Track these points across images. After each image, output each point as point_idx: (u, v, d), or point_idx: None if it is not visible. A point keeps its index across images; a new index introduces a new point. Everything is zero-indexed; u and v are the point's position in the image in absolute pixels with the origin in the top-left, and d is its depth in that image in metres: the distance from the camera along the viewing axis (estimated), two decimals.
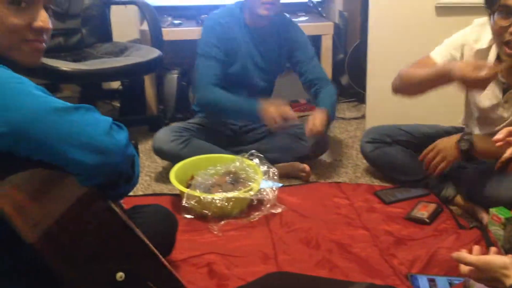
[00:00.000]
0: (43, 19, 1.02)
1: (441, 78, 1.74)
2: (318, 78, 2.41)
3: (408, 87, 1.94)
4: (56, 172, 0.92)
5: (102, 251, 0.92)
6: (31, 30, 1.01)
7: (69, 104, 0.93)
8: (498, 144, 1.40)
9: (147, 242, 1.00)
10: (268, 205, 1.94)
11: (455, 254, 1.21)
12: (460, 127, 2.13)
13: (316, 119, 2.19)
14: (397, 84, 1.97)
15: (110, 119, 0.97)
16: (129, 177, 1.01)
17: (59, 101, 0.93)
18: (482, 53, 1.81)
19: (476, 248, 1.28)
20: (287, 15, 2.56)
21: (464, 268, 1.20)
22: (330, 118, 2.27)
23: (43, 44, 1.05)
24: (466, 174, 1.97)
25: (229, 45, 2.31)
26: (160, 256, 1.02)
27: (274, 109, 2.17)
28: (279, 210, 1.94)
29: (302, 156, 2.33)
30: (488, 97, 1.84)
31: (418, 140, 2.16)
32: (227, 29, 2.31)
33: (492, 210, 1.76)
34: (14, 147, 0.91)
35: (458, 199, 1.99)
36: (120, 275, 0.92)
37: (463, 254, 1.20)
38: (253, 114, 2.21)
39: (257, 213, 1.93)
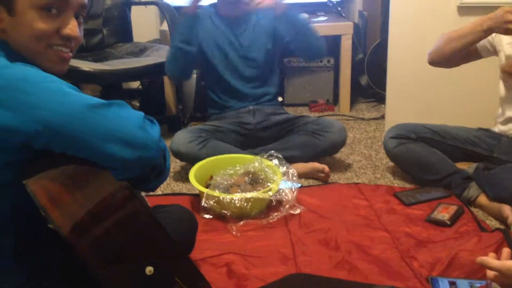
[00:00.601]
0: (72, 27, 1.03)
1: (479, 27, 1.82)
2: None
3: (446, 49, 1.97)
4: (91, 166, 0.94)
5: (133, 245, 0.93)
6: (59, 37, 1.02)
7: (102, 100, 0.94)
8: None
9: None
10: (287, 206, 1.94)
11: (479, 259, 1.19)
12: (487, 128, 2.10)
13: None
14: (434, 50, 2.01)
15: (142, 113, 0.98)
16: (161, 170, 1.02)
17: (92, 97, 0.95)
18: None
19: (505, 251, 1.26)
20: None
21: (489, 273, 1.19)
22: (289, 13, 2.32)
23: (70, 53, 1.06)
24: (493, 174, 1.93)
25: (204, 32, 2.38)
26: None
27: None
28: (298, 211, 1.94)
29: (321, 153, 2.33)
30: None
31: (444, 139, 2.13)
32: (200, 19, 2.38)
33: None
34: (50, 144, 0.93)
35: (481, 199, 1.96)
36: (149, 269, 0.92)
37: (487, 259, 1.19)
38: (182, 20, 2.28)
39: (276, 213, 1.93)
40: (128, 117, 0.95)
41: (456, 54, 1.97)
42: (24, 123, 0.91)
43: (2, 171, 0.96)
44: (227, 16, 2.40)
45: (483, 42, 1.96)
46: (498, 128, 2.07)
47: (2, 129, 0.91)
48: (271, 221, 1.91)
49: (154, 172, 1.00)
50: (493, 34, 1.91)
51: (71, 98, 0.92)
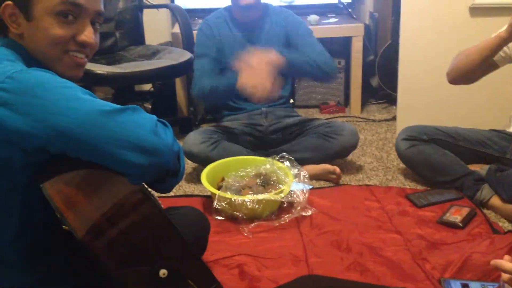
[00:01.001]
0: (88, 34, 1.05)
1: (499, 39, 1.82)
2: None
3: (466, 65, 1.97)
4: (106, 171, 0.95)
5: (147, 247, 0.94)
6: (74, 43, 1.04)
7: (115, 105, 0.95)
8: None
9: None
10: (299, 208, 1.95)
11: (493, 262, 1.19)
12: (500, 130, 2.09)
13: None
14: (452, 69, 2.02)
15: (154, 117, 0.98)
16: (176, 171, 1.02)
17: (106, 103, 0.95)
18: None
19: None
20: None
21: (504, 276, 1.18)
22: (286, 65, 2.20)
23: (85, 59, 1.08)
24: (506, 175, 1.93)
25: (220, 43, 2.38)
26: None
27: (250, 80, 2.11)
28: (309, 212, 1.95)
29: (332, 155, 2.33)
30: None
31: (456, 141, 2.13)
32: (215, 29, 2.40)
33: None
34: (64, 149, 0.94)
35: (494, 201, 1.95)
36: (163, 272, 0.93)
37: (501, 261, 1.18)
38: (233, 87, 2.18)
39: (287, 215, 1.94)
40: (141, 122, 0.95)
41: (477, 69, 1.96)
42: (37, 128, 0.92)
43: (19, 173, 0.98)
44: (241, 20, 2.41)
45: (498, 53, 1.95)
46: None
47: (15, 133, 0.93)
48: (282, 222, 1.91)
49: (169, 173, 1.00)
50: (510, 44, 1.91)
51: (85, 104, 0.93)
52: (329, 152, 2.31)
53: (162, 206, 1.22)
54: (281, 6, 2.74)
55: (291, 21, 2.46)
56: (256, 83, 2.11)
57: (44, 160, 0.97)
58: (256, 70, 2.13)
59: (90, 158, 0.95)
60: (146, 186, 1.02)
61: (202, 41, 2.41)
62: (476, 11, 2.44)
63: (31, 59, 1.04)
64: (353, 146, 2.35)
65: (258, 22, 2.42)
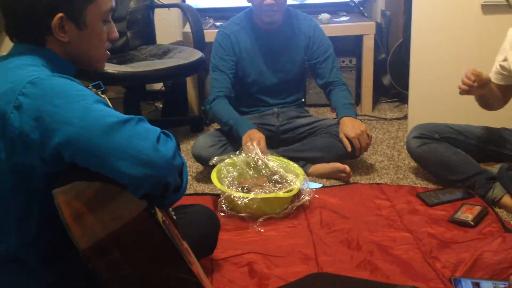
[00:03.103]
0: (115, 31, 1.19)
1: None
2: (334, 82, 2.43)
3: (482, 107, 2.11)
4: (115, 185, 0.96)
5: (149, 270, 0.95)
6: (109, 41, 1.17)
7: (121, 116, 0.97)
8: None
9: (193, 262, 1.03)
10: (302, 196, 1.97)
11: None
12: (511, 128, 2.08)
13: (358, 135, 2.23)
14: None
15: (158, 129, 1.00)
16: (178, 186, 1.02)
17: (114, 114, 0.98)
18: None
19: None
20: (304, 14, 2.55)
21: None
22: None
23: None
24: None
25: (241, 53, 2.38)
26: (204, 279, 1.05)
27: (251, 142, 2.13)
28: (306, 197, 1.95)
29: (343, 155, 2.33)
30: None
31: (468, 139, 2.12)
32: (235, 39, 2.38)
33: None
34: (72, 158, 0.97)
35: (506, 200, 1.94)
36: None
37: None
38: (239, 137, 2.21)
39: (290, 206, 1.96)
40: (143, 135, 0.96)
41: (490, 103, 2.07)
42: (46, 135, 0.96)
43: (40, 180, 1.02)
44: (263, 27, 2.39)
45: (498, 79, 2.02)
46: None
47: (28, 138, 0.97)
48: (285, 212, 1.94)
49: (168, 190, 1.00)
50: (503, 63, 1.96)
51: (94, 114, 0.96)
52: (340, 152, 2.30)
53: (175, 217, 1.22)
54: (294, 5, 2.73)
55: (316, 36, 2.44)
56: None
57: (63, 169, 1.00)
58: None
59: (96, 168, 0.97)
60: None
61: (219, 54, 2.39)
62: (488, 8, 2.41)
63: (60, 64, 1.10)
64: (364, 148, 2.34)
65: (280, 30, 2.40)
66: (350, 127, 2.24)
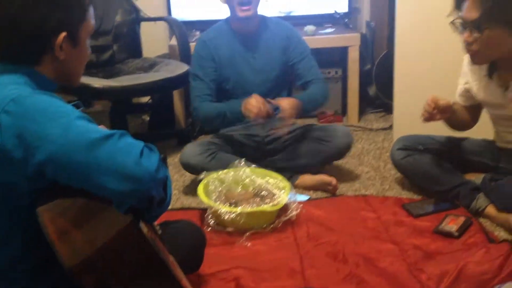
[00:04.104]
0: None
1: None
2: (312, 80, 2.45)
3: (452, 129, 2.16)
4: (99, 202, 0.97)
5: (137, 285, 0.95)
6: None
7: (103, 132, 0.98)
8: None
9: (181, 277, 1.03)
10: (289, 211, 1.97)
11: None
12: (491, 140, 2.11)
13: (285, 103, 2.25)
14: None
15: (142, 143, 1.01)
16: (162, 199, 1.03)
17: (95, 130, 0.99)
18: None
19: None
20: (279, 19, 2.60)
21: None
22: (301, 109, 2.31)
23: None
24: (500, 184, 1.94)
25: (220, 59, 2.39)
26: None
27: (253, 102, 2.19)
28: (294, 213, 1.96)
29: (328, 159, 2.36)
30: (492, 98, 1.96)
31: (451, 150, 2.15)
32: (213, 46, 2.39)
33: None
34: (55, 175, 0.97)
35: (490, 210, 1.96)
36: None
37: None
38: (238, 113, 2.24)
39: (277, 220, 1.96)
40: (126, 149, 0.97)
41: (459, 123, 2.11)
42: (29, 152, 0.96)
43: (24, 198, 1.02)
44: (240, 32, 2.42)
45: (463, 100, 2.09)
46: (499, 144, 2.08)
47: (12, 156, 0.97)
48: (272, 227, 1.94)
49: (153, 203, 1.01)
50: (466, 86, 2.04)
51: (75, 131, 0.97)
52: (324, 155, 2.33)
53: (156, 223, 1.23)
54: (279, 17, 2.76)
55: (292, 36, 2.47)
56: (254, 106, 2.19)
57: (46, 186, 1.00)
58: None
59: (77, 185, 0.97)
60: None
61: (198, 62, 2.42)
62: None
63: (42, 82, 1.10)
64: (348, 147, 2.37)
65: (257, 33, 2.43)
66: (286, 101, 2.28)
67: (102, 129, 0.99)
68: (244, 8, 2.29)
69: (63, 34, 1.09)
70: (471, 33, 1.77)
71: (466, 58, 1.99)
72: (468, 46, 1.82)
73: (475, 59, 1.87)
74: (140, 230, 0.97)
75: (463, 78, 2.06)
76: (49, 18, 1.07)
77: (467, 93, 2.06)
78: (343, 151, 2.39)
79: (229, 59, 2.42)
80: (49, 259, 1.06)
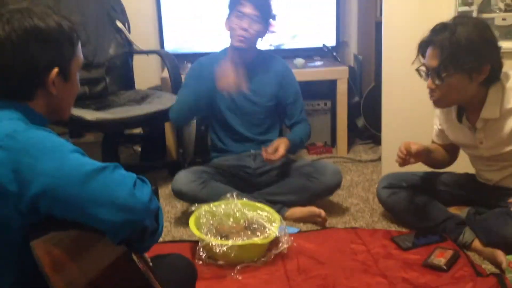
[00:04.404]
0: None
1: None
2: (298, 121, 2.55)
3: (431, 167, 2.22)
4: (92, 233, 0.99)
5: None
6: None
7: (97, 164, 1.01)
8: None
9: None
10: (280, 245, 1.98)
11: None
12: (473, 174, 2.16)
13: (277, 147, 2.33)
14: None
15: (134, 175, 1.05)
16: (154, 229, 1.06)
17: (89, 162, 1.02)
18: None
19: None
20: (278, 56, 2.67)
21: None
22: (291, 151, 2.43)
23: None
24: (484, 219, 1.98)
25: (212, 82, 2.39)
26: None
27: (222, 70, 2.25)
28: (285, 246, 1.97)
29: (318, 195, 2.38)
30: (464, 140, 2.04)
31: (435, 185, 2.20)
32: (206, 69, 2.43)
33: (509, 257, 1.76)
34: (50, 208, 0.99)
35: (476, 244, 1.99)
36: None
37: None
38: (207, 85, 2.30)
39: (268, 254, 1.97)
40: (119, 181, 1.01)
41: (438, 164, 2.18)
42: (24, 186, 0.98)
43: (15, 233, 1.03)
44: (237, 61, 2.45)
45: (440, 139, 2.16)
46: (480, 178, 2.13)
47: (6, 190, 0.98)
48: (263, 260, 1.95)
49: (146, 233, 1.04)
50: (441, 127, 2.12)
51: (70, 164, 1.00)
52: (313, 192, 2.36)
53: (147, 256, 1.24)
54: (271, 50, 2.83)
55: (287, 74, 2.55)
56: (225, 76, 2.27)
57: (39, 221, 1.02)
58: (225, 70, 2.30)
59: (72, 218, 0.99)
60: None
61: (188, 76, 2.51)
62: None
63: (35, 118, 1.12)
64: (337, 186, 2.40)
65: (253, 64, 2.49)
66: (284, 146, 2.34)
67: (96, 162, 1.02)
68: (241, 39, 2.36)
69: (55, 70, 1.12)
70: (433, 80, 1.86)
71: None
72: (431, 92, 1.90)
73: (438, 104, 1.95)
74: (133, 261, 0.99)
75: (437, 119, 2.14)
76: (41, 57, 1.10)
77: (442, 133, 2.13)
78: (331, 190, 2.42)
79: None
80: None
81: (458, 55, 1.78)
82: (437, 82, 1.85)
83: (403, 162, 1.99)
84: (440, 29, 1.84)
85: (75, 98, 1.24)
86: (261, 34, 2.41)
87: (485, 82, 1.85)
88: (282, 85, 2.53)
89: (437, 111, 2.10)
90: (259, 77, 2.50)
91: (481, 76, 1.83)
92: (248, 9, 2.35)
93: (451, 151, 2.16)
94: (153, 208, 1.04)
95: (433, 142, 2.18)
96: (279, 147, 2.34)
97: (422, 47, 1.90)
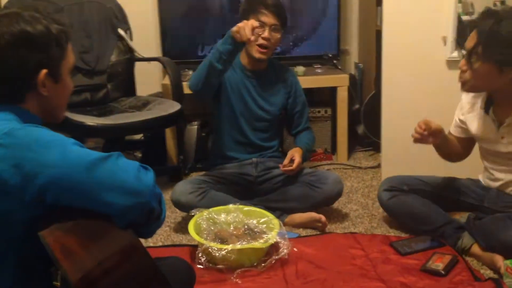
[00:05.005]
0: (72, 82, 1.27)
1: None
2: (304, 128, 2.61)
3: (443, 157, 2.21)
4: (101, 219, 1.03)
5: None
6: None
7: (101, 153, 1.06)
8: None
9: None
10: (280, 250, 1.99)
11: None
12: (476, 179, 2.16)
13: (292, 157, 2.39)
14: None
15: (137, 162, 1.10)
16: (159, 214, 1.12)
17: (93, 152, 1.06)
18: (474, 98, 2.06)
19: None
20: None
21: None
22: (304, 159, 2.47)
23: None
24: (483, 224, 1.98)
25: (225, 82, 2.43)
26: None
27: (243, 24, 2.17)
28: (285, 251, 1.97)
29: (319, 204, 2.38)
30: (486, 132, 2.02)
31: (436, 190, 2.20)
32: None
33: (507, 262, 1.77)
34: (57, 198, 1.02)
35: (475, 249, 2.00)
36: None
37: None
38: (228, 40, 2.21)
39: (269, 259, 1.97)
40: (124, 167, 1.06)
41: (449, 154, 2.18)
42: (30, 180, 1.01)
43: (18, 227, 1.05)
44: (250, 67, 2.49)
45: (458, 132, 2.16)
46: (485, 182, 2.13)
47: (11, 186, 1.01)
48: (263, 265, 1.95)
49: (152, 216, 1.08)
50: (463, 118, 2.11)
51: (73, 154, 1.04)
52: (314, 201, 2.36)
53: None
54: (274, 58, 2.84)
55: (295, 83, 2.59)
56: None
57: (41, 213, 1.04)
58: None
59: (80, 205, 1.03)
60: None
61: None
62: (452, 63, 2.55)
63: (30, 119, 1.15)
64: (338, 195, 2.41)
65: (265, 72, 2.52)
66: (299, 155, 2.41)
67: (99, 152, 1.06)
68: (263, 50, 2.38)
69: (44, 71, 1.14)
70: (465, 61, 1.87)
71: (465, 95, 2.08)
72: (461, 73, 1.92)
73: (464, 87, 1.95)
74: (143, 248, 1.03)
75: (459, 110, 2.13)
76: (29, 60, 1.13)
77: (461, 125, 2.12)
78: (332, 199, 2.43)
79: (236, 87, 2.47)
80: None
81: (492, 46, 1.79)
82: (466, 65, 1.87)
83: (420, 139, 1.99)
84: (487, 15, 1.84)
85: (69, 99, 1.26)
86: (279, 41, 2.44)
87: None
88: (291, 94, 2.57)
89: (463, 100, 2.10)
90: (269, 85, 2.52)
91: None
92: (269, 19, 2.35)
93: (466, 146, 2.16)
94: (157, 192, 1.10)
95: (449, 134, 2.17)
96: (294, 156, 2.39)
97: (471, 28, 1.90)
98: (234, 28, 2.19)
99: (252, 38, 2.19)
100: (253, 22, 2.20)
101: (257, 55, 2.39)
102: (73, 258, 0.97)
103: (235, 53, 2.28)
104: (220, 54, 2.24)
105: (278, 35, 2.39)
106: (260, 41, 2.35)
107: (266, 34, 2.34)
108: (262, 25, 2.34)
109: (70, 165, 1.01)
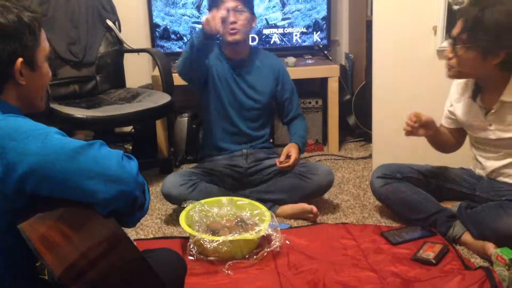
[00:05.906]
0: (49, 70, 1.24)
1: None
2: (295, 115, 2.60)
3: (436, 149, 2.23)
4: (83, 209, 1.01)
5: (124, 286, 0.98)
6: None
7: (83, 142, 1.05)
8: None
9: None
10: (272, 243, 1.98)
11: None
12: (468, 168, 2.17)
13: (288, 153, 2.40)
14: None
15: (121, 151, 1.08)
16: (142, 203, 1.10)
17: (76, 140, 1.05)
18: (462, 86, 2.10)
19: None
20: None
21: None
22: (300, 151, 2.50)
23: None
24: (475, 212, 1.99)
25: (210, 68, 2.43)
26: None
27: (210, 16, 2.18)
28: (277, 243, 1.97)
29: (310, 194, 2.38)
30: (474, 120, 2.04)
31: (428, 179, 2.21)
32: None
33: (497, 251, 1.78)
34: (37, 187, 1.00)
35: (466, 237, 2.01)
36: None
37: None
38: (200, 33, 2.22)
39: (261, 252, 1.97)
40: (108, 155, 1.04)
41: (441, 145, 2.20)
42: (10, 169, 0.99)
43: (0, 219, 1.03)
44: (230, 56, 2.48)
45: (448, 123, 2.18)
46: (474, 171, 2.14)
47: None
48: (255, 257, 1.94)
49: (135, 205, 1.07)
50: (451, 109, 2.13)
51: (55, 142, 1.03)
52: (305, 191, 2.36)
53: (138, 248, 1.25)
54: (263, 48, 2.84)
55: (283, 71, 2.59)
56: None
57: (23, 205, 1.03)
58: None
59: (62, 194, 1.01)
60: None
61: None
62: (443, 53, 2.53)
63: (9, 108, 1.13)
64: (328, 185, 2.41)
65: (248, 60, 2.51)
66: (295, 151, 2.42)
67: (81, 141, 1.05)
68: (233, 32, 2.37)
69: (20, 60, 1.12)
70: (451, 48, 1.90)
71: (454, 82, 2.10)
72: (448, 60, 1.94)
73: (449, 72, 1.98)
74: (128, 238, 1.01)
75: (448, 101, 2.16)
76: (3, 50, 1.10)
77: (451, 116, 2.14)
78: (323, 189, 2.43)
79: (222, 78, 2.46)
80: (26, 281, 1.07)
81: (476, 33, 1.82)
82: (452, 52, 1.90)
83: (412, 131, 2.01)
84: (473, 3, 1.88)
85: (46, 88, 1.24)
86: (250, 21, 2.43)
87: (504, 66, 1.87)
88: (279, 80, 2.56)
89: (452, 90, 2.13)
90: (256, 74, 2.51)
91: (496, 59, 1.85)
92: (230, 3, 2.36)
93: (458, 136, 2.18)
94: (141, 181, 1.08)
95: (441, 125, 2.19)
96: (290, 152, 2.39)
97: (458, 16, 1.93)
98: (203, 21, 2.19)
99: (221, 29, 2.22)
100: (219, 13, 2.21)
101: (229, 38, 2.39)
102: (55, 250, 0.95)
103: (210, 43, 2.29)
104: (196, 44, 2.24)
105: (243, 16, 2.38)
106: (229, 25, 2.36)
107: (231, 18, 2.35)
108: (228, 11, 2.34)
109: (51, 153, 1.00)
